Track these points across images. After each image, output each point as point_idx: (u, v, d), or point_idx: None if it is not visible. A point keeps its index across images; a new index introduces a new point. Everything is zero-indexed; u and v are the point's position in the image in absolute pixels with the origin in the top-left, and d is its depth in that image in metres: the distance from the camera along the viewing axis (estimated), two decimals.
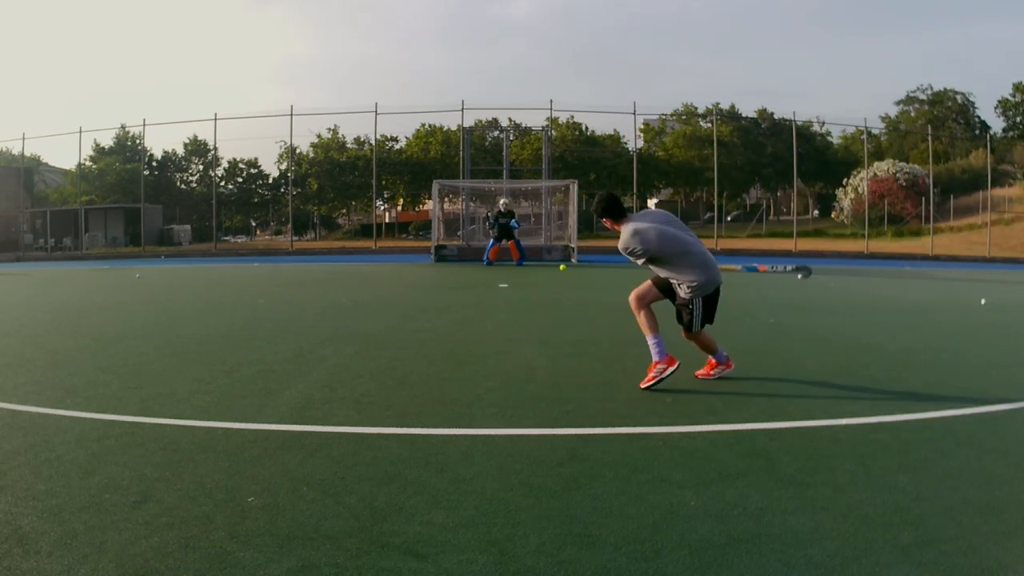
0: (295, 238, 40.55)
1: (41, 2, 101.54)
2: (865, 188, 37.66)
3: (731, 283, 17.77)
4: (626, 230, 4.94)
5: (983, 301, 11.14)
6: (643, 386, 4.98)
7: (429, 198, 29.26)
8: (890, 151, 49.46)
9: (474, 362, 6.18)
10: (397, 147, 47.05)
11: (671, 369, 4.97)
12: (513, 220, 20.67)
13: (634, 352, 6.62)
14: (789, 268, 4.25)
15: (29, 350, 6.69)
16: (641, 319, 5.12)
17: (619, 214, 5.04)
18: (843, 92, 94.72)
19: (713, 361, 5.36)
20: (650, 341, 5.04)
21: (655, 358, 5.00)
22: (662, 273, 5.11)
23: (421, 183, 39.82)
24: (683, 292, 5.03)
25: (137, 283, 15.59)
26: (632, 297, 5.20)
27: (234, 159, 47.96)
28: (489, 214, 22.52)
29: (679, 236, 5.04)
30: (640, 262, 5.04)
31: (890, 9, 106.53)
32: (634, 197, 41.78)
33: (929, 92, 57.14)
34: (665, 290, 5.17)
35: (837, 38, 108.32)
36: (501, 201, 21.76)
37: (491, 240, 20.94)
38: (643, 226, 4.94)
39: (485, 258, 20.66)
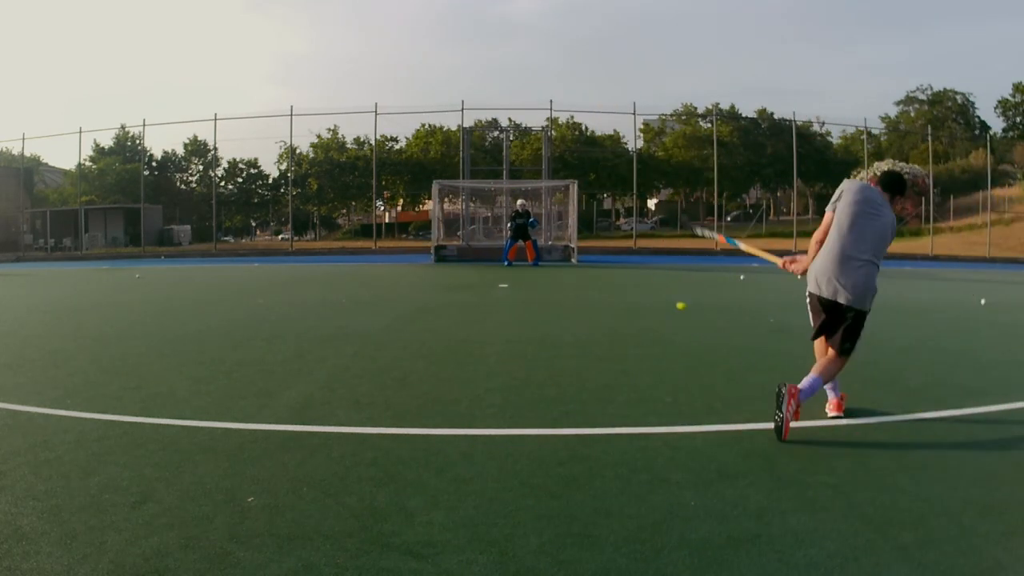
0: (295, 238, 40.57)
1: (41, 2, 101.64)
2: None
3: (730, 283, 17.66)
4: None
5: (983, 301, 11.14)
6: (832, 413, 4.42)
7: (429, 198, 29.28)
8: (890, 151, 49.47)
9: (474, 362, 6.17)
10: (397, 147, 47.14)
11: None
12: (531, 219, 21.00)
13: (634, 353, 6.63)
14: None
15: (29, 350, 6.69)
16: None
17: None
18: (843, 92, 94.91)
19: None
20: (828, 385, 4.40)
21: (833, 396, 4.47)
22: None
23: (421, 183, 39.86)
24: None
25: (137, 283, 15.59)
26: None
27: (234, 159, 48.13)
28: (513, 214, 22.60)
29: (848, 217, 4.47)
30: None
31: (891, 8, 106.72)
32: (634, 197, 41.86)
33: (929, 92, 57.28)
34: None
35: (837, 38, 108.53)
36: (519, 201, 22.00)
37: (508, 241, 21.01)
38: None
39: (504, 258, 20.70)
